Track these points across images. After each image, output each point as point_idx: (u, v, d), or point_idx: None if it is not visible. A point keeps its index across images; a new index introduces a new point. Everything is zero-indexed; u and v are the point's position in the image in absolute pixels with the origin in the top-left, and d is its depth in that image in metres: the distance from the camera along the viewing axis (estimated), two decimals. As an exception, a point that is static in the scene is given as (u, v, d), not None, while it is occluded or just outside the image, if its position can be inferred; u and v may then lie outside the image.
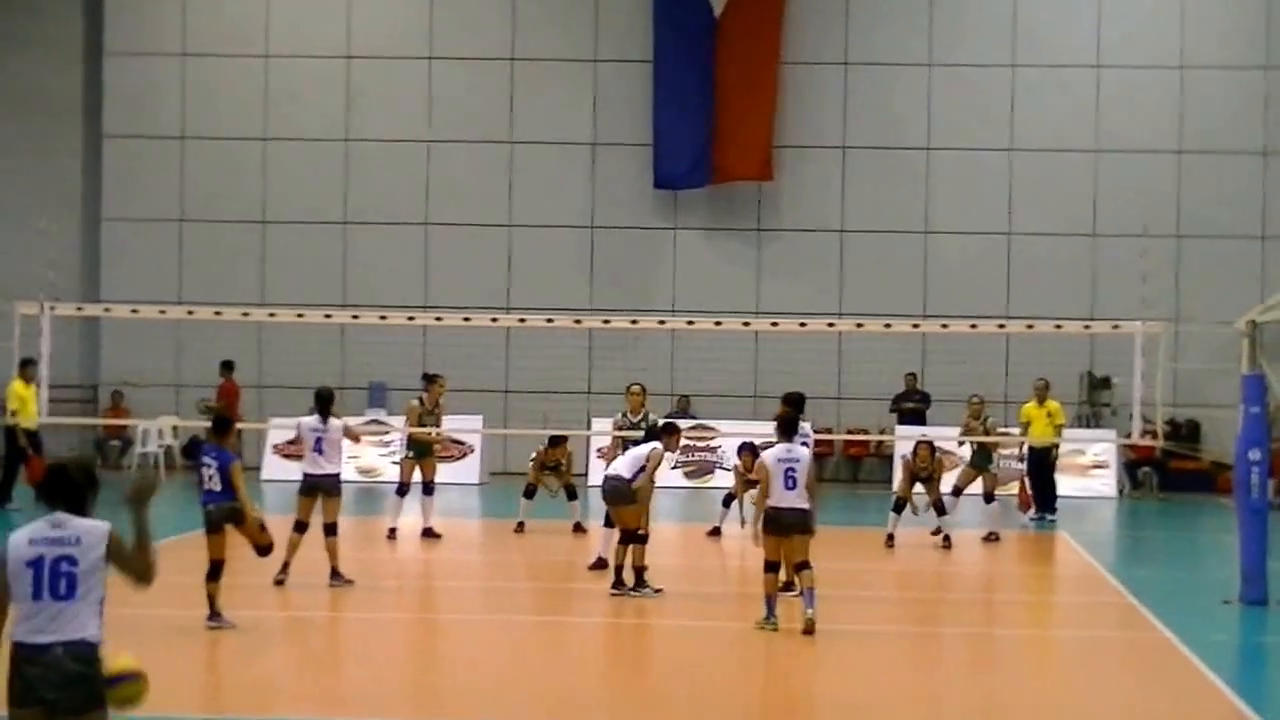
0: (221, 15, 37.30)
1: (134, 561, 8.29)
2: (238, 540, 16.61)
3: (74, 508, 8.29)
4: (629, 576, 18.90)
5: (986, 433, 25.87)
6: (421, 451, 24.53)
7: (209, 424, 17.48)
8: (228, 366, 33.82)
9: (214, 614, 16.31)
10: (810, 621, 16.42)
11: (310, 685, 14.50)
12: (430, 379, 25.16)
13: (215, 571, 16.39)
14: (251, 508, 16.72)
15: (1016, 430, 29.27)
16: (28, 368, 26.84)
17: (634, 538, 18.87)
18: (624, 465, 19.08)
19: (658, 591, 18.87)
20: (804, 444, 17.74)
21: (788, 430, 17.24)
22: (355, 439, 20.15)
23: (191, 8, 37.21)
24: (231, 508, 16.50)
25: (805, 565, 16.82)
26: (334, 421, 19.61)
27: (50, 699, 8.04)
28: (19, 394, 26.72)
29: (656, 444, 19.30)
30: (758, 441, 22.23)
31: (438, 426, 25.13)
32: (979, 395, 26.40)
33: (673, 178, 36.29)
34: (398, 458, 28.02)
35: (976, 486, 25.67)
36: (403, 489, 24.38)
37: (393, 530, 24.03)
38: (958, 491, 25.39)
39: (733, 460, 26.60)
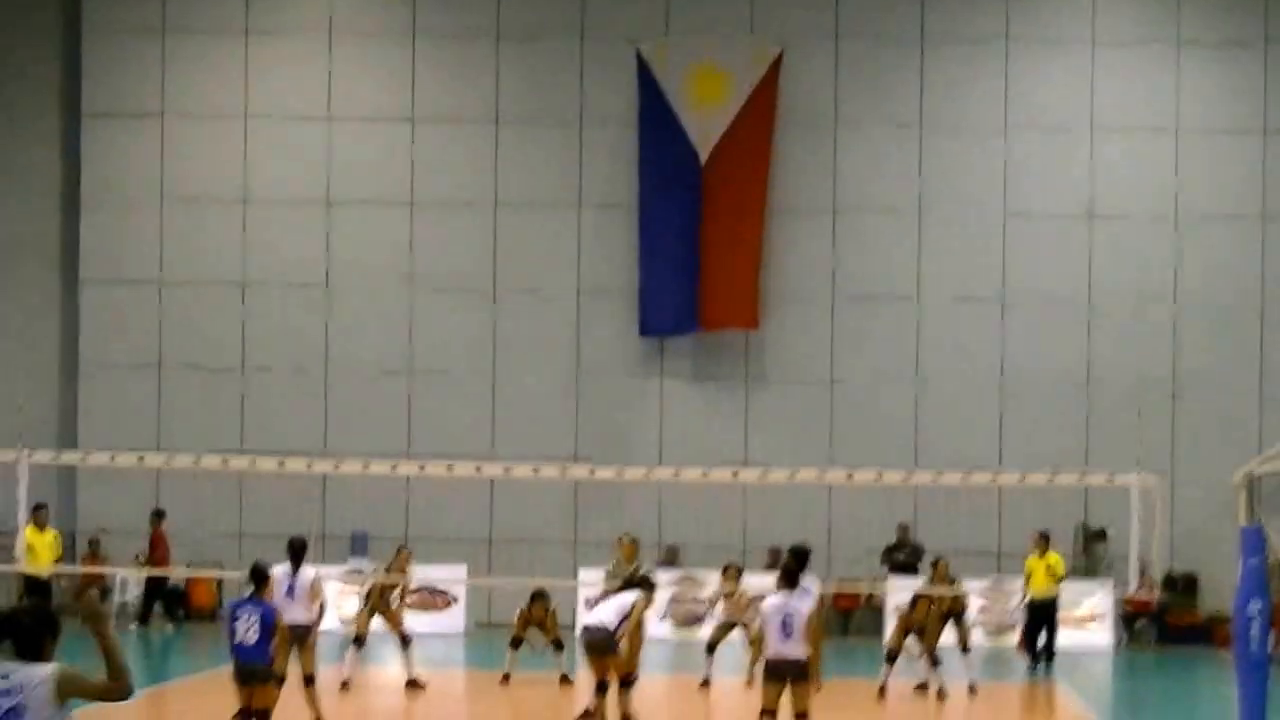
0: (200, 163, 37.51)
1: (102, 687, 8.19)
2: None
3: (25, 653, 8.21)
4: None
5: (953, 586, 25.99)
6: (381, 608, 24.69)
7: (247, 578, 17.57)
8: (158, 515, 34.34)
9: None
10: None
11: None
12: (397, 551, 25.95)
13: (265, 716, 16.85)
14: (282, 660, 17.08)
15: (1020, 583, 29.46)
16: (38, 513, 26.98)
17: (631, 682, 18.92)
18: (609, 614, 19.10)
19: None
20: (807, 595, 17.87)
21: (790, 580, 17.32)
22: (320, 601, 20.13)
23: (170, 151, 37.41)
24: (263, 669, 16.81)
25: (804, 715, 16.88)
26: (305, 570, 19.86)
27: None
28: (28, 540, 26.77)
29: (638, 593, 19.40)
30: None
31: (403, 593, 25.51)
32: (943, 558, 26.42)
33: (658, 325, 36.45)
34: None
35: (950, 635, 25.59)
36: (359, 640, 24.36)
37: (345, 683, 23.84)
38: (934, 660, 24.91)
39: (718, 612, 26.52)
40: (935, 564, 26.21)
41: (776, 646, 16.85)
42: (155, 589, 34.27)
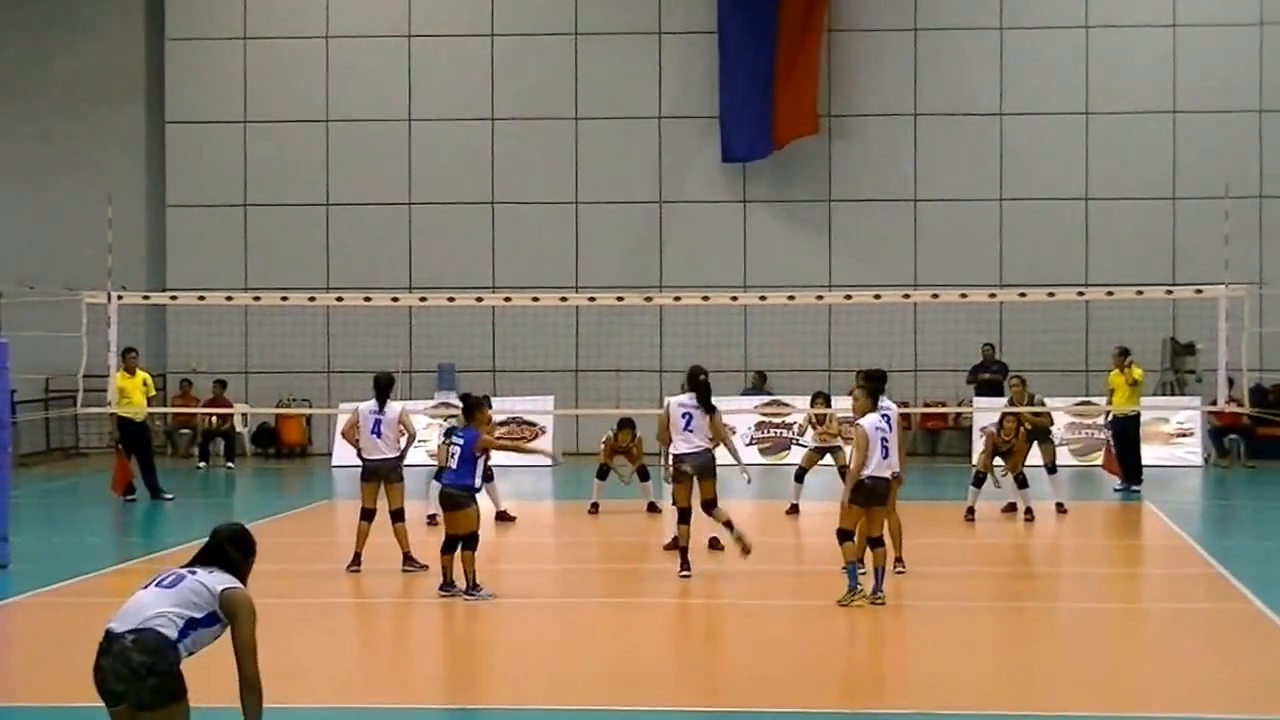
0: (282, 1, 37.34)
1: (246, 644, 8.56)
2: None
3: (232, 572, 8.71)
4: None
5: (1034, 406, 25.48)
6: None
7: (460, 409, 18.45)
8: (187, 384, 35.61)
9: (471, 586, 17.29)
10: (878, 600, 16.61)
11: (384, 671, 14.47)
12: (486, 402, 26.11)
13: (470, 542, 17.31)
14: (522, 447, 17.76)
15: (1104, 400, 29.00)
16: (128, 356, 27.01)
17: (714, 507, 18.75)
18: (702, 435, 18.69)
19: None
20: (885, 417, 17.67)
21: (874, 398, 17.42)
22: (410, 432, 19.84)
23: (252, -9, 37.27)
24: (458, 494, 17.38)
25: (881, 541, 16.92)
26: (392, 406, 19.62)
27: (119, 691, 8.18)
28: (119, 385, 26.80)
29: (715, 411, 18.99)
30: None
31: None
32: (1019, 377, 25.91)
33: (739, 151, 36.04)
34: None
35: (1036, 458, 25.22)
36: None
37: (432, 516, 23.71)
38: (1021, 481, 24.62)
39: (809, 439, 26.41)
40: (1012, 384, 25.79)
41: (877, 462, 16.88)
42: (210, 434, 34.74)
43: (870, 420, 17.05)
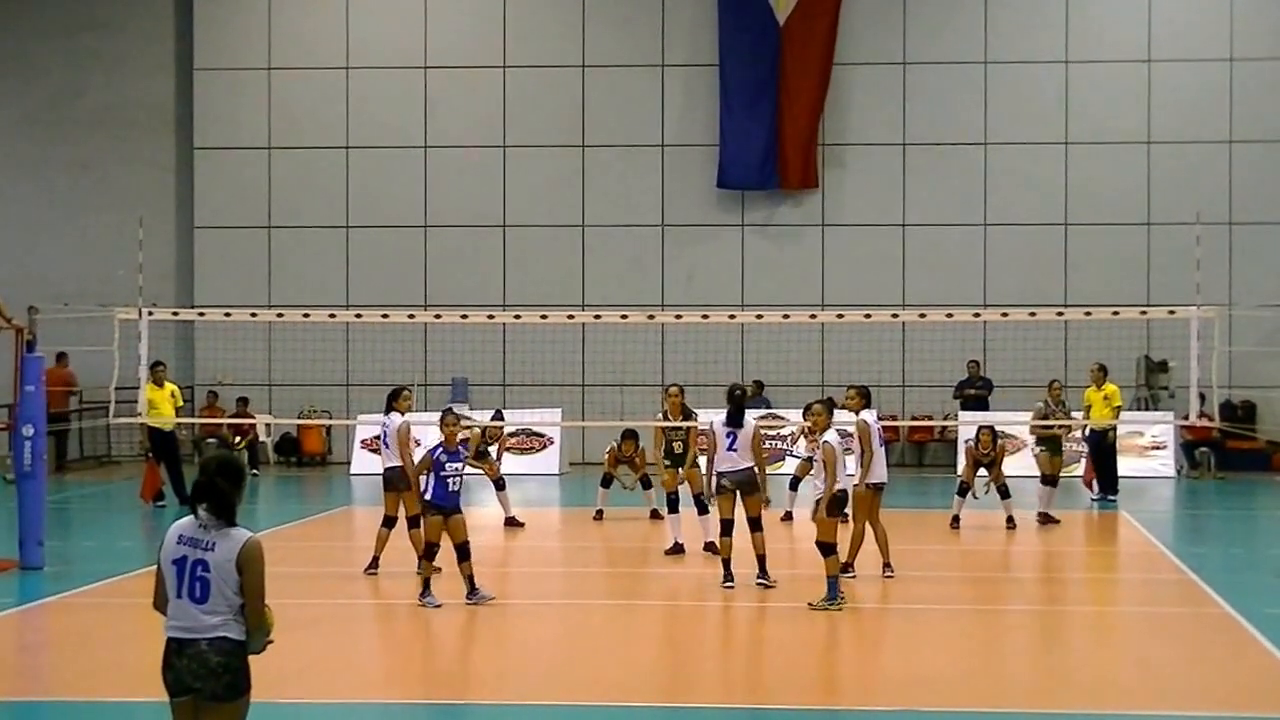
0: (304, 30, 37.38)
1: (253, 592, 8.56)
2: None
3: (221, 511, 8.57)
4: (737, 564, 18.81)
5: (1063, 417, 25.40)
6: (478, 455, 24.61)
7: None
8: (214, 394, 35.80)
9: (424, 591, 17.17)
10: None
11: (397, 667, 14.48)
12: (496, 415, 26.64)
13: (428, 551, 17.15)
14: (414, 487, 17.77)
15: (1080, 414, 29.01)
16: (156, 370, 27.02)
17: (759, 525, 18.42)
18: (745, 455, 18.36)
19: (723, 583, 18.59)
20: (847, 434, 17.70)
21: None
22: (405, 443, 19.45)
23: (276, 25, 37.30)
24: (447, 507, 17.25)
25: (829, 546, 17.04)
26: (393, 418, 19.48)
27: (196, 687, 8.49)
28: (148, 397, 26.81)
29: (751, 423, 18.65)
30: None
31: (500, 446, 26.18)
32: (1059, 380, 25.70)
33: (737, 179, 36.06)
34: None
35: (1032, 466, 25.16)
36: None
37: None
38: (1053, 481, 24.64)
39: (801, 450, 26.35)
40: (1053, 387, 25.64)
41: (845, 480, 17.14)
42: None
43: (835, 436, 17.00)
